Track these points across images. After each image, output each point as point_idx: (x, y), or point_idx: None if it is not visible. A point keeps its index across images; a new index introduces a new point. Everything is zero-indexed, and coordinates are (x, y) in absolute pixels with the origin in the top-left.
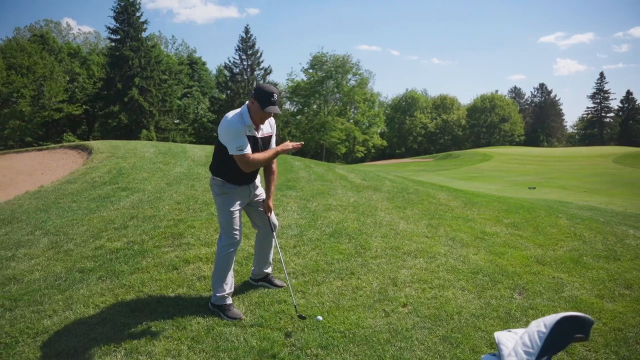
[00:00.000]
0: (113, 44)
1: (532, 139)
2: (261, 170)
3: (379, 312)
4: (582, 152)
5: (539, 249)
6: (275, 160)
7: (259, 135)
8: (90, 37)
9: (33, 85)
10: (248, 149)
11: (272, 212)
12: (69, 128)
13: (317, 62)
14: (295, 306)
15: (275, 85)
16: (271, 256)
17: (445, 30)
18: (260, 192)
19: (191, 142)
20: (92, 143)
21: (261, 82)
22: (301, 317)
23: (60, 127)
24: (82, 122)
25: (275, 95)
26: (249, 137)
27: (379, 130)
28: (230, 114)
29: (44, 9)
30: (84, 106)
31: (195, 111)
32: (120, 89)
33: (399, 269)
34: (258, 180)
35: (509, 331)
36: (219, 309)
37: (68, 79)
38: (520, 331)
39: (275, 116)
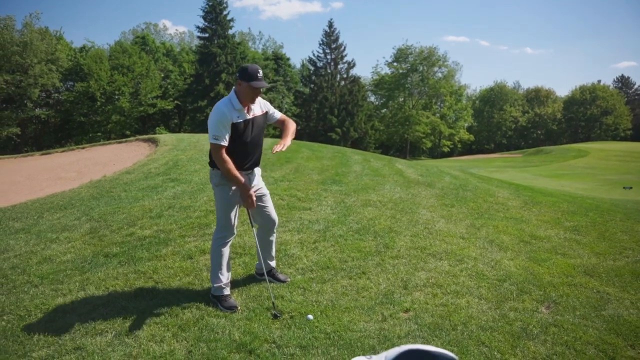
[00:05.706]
0: (202, 41)
1: None
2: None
3: (376, 316)
4: None
5: (594, 257)
6: (289, 120)
7: (250, 116)
8: (185, 36)
9: (132, 83)
10: (224, 142)
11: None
12: (162, 122)
13: (401, 55)
14: (273, 303)
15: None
16: (274, 251)
17: (539, 16)
18: (260, 185)
19: (274, 136)
20: (161, 136)
21: (345, 75)
22: (275, 317)
23: (154, 121)
24: (174, 116)
25: (260, 72)
26: (239, 123)
27: (466, 125)
28: (221, 101)
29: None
30: (175, 101)
31: (280, 105)
32: (207, 85)
33: (415, 271)
34: (259, 174)
35: (369, 358)
36: (216, 299)
37: (162, 76)
38: (375, 358)
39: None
